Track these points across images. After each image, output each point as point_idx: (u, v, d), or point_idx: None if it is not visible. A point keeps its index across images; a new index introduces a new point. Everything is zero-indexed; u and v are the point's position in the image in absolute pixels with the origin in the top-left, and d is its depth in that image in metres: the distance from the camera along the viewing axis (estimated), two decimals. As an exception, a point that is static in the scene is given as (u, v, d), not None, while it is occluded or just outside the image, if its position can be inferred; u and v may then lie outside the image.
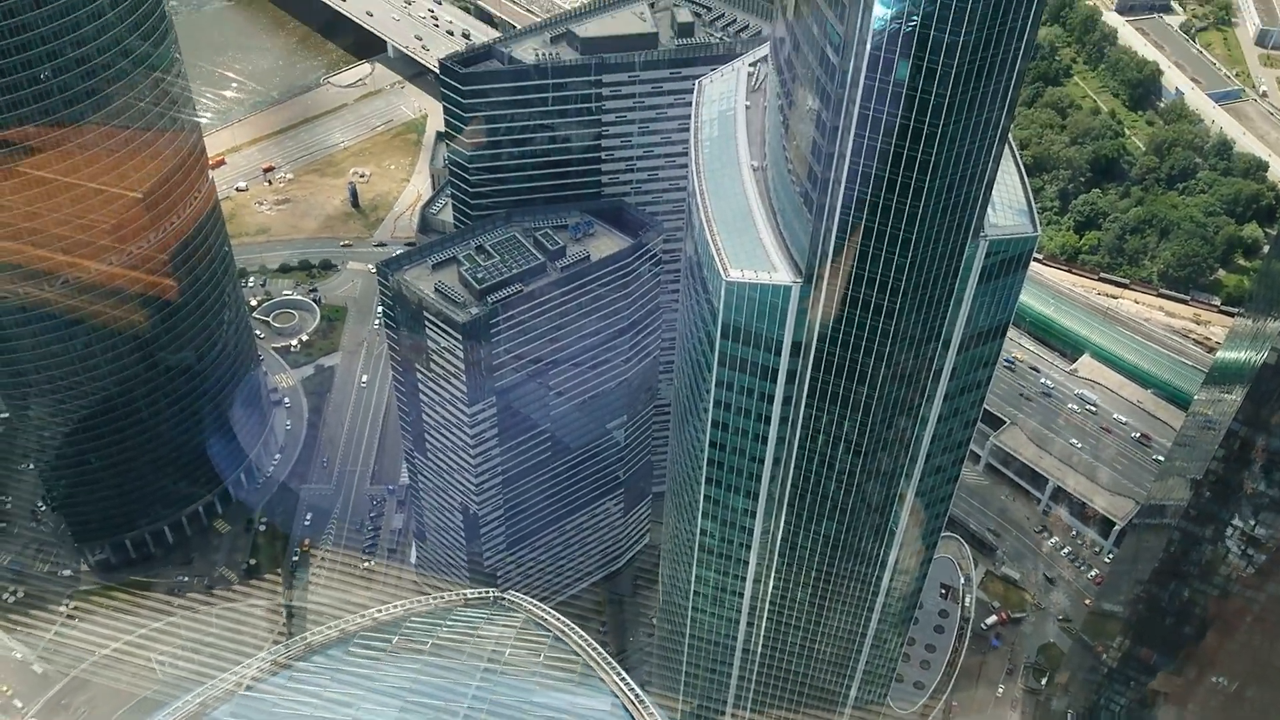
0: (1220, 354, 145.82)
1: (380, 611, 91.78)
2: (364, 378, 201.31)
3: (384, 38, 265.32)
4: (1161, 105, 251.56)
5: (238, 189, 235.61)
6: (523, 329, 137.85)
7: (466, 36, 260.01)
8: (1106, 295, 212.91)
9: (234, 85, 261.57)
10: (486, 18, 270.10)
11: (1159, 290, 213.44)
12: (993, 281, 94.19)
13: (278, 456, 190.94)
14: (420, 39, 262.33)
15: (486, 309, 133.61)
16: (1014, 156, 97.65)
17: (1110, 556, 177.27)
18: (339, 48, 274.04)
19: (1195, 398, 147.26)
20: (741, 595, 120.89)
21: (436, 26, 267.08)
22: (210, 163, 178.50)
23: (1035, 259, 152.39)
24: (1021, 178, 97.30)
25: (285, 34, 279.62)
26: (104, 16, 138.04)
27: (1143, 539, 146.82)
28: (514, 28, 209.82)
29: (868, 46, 77.71)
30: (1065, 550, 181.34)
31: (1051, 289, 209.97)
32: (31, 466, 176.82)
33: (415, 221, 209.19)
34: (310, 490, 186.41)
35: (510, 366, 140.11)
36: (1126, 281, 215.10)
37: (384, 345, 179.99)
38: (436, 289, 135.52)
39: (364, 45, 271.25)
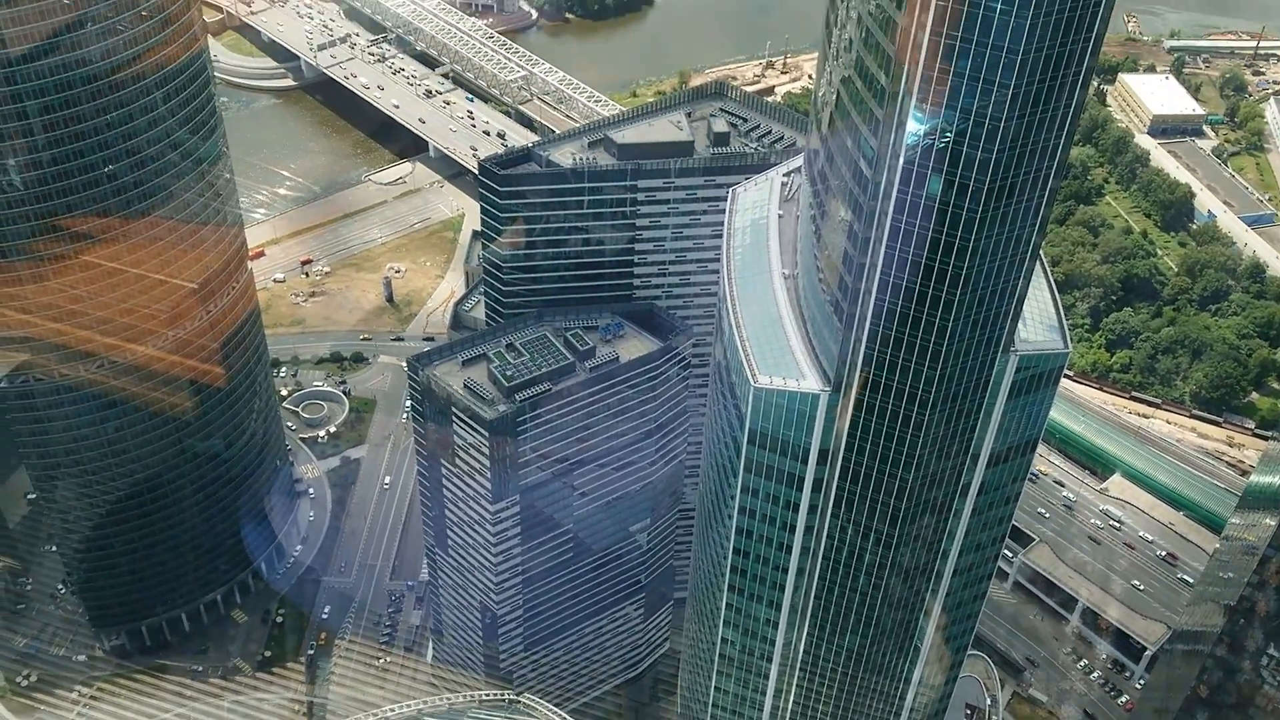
0: (1254, 478, 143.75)
1: (393, 710, 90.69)
2: (387, 478, 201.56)
3: (425, 138, 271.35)
4: (1194, 227, 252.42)
5: (275, 280, 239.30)
6: (550, 428, 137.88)
7: (502, 137, 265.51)
8: (1138, 414, 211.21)
9: (276, 180, 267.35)
10: (527, 122, 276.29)
11: (1191, 411, 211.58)
12: (1023, 396, 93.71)
13: (299, 547, 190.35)
14: (463, 142, 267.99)
15: (514, 407, 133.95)
16: (1045, 272, 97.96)
17: (1141, 682, 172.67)
18: (381, 145, 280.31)
19: (1229, 522, 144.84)
20: (761, 708, 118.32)
21: (474, 128, 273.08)
22: (250, 254, 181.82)
23: (1066, 375, 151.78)
24: (1053, 293, 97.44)
25: (329, 131, 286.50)
26: (156, 110, 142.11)
27: (1175, 665, 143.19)
28: (553, 132, 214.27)
29: (900, 160, 78.70)
30: (1095, 674, 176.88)
31: (1082, 406, 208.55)
32: (54, 549, 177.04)
33: (448, 318, 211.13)
34: (330, 582, 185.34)
35: (535, 465, 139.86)
36: (1158, 401, 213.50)
37: (410, 439, 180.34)
38: (465, 385, 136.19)
39: (406, 144, 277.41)
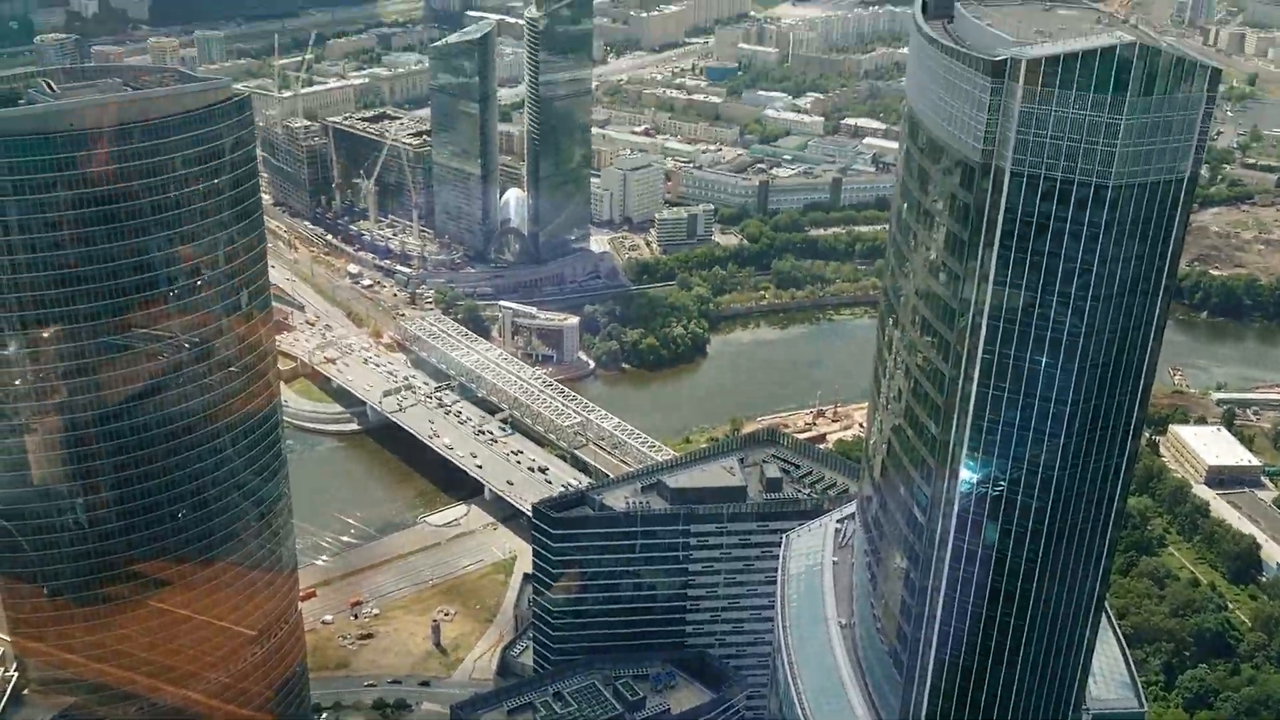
0: None
1: None
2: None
3: (481, 480, 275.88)
4: (1263, 580, 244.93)
5: (324, 622, 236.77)
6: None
7: (543, 470, 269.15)
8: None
9: (333, 523, 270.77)
10: (582, 466, 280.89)
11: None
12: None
13: None
14: (518, 485, 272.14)
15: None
16: (1112, 626, 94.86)
17: None
18: (438, 488, 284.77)
19: None
20: None
21: (530, 471, 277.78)
22: (301, 595, 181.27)
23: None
24: (1122, 648, 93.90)
25: (389, 474, 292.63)
26: (224, 453, 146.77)
27: None
28: (607, 476, 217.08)
29: (955, 508, 78.54)
30: None
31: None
32: None
33: (495, 663, 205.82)
34: None
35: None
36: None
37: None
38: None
39: (462, 487, 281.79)
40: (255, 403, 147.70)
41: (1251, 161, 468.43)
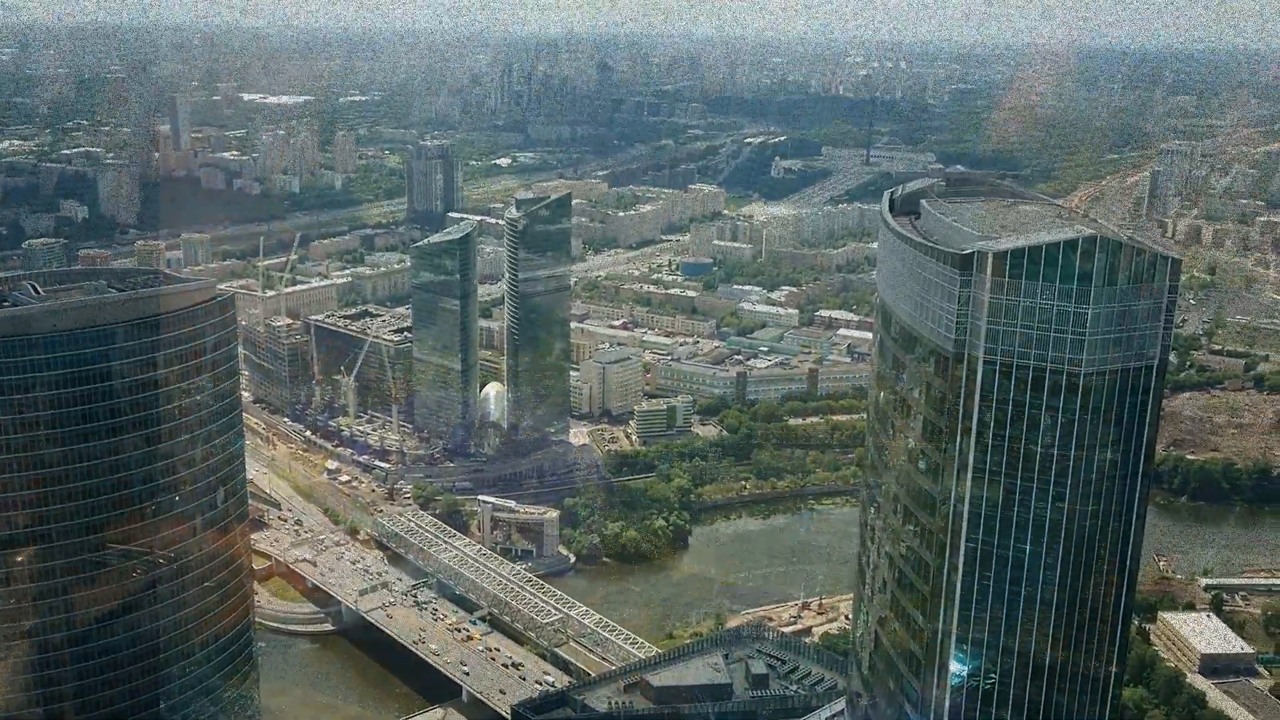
0: None
1: None
2: None
3: (458, 682, 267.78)
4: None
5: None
6: None
7: (519, 668, 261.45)
8: None
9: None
10: (563, 664, 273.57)
11: None
12: None
13: None
14: (496, 686, 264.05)
15: None
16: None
17: None
18: (413, 690, 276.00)
19: None
20: None
21: (509, 670, 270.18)
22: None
23: None
24: None
25: (362, 675, 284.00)
26: (192, 658, 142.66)
27: None
28: (588, 674, 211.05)
29: (946, 703, 76.44)
30: None
31: None
32: None
33: None
34: None
35: None
36: None
37: None
38: None
39: (437, 687, 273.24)
40: (229, 616, 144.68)
41: (1218, 348, 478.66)
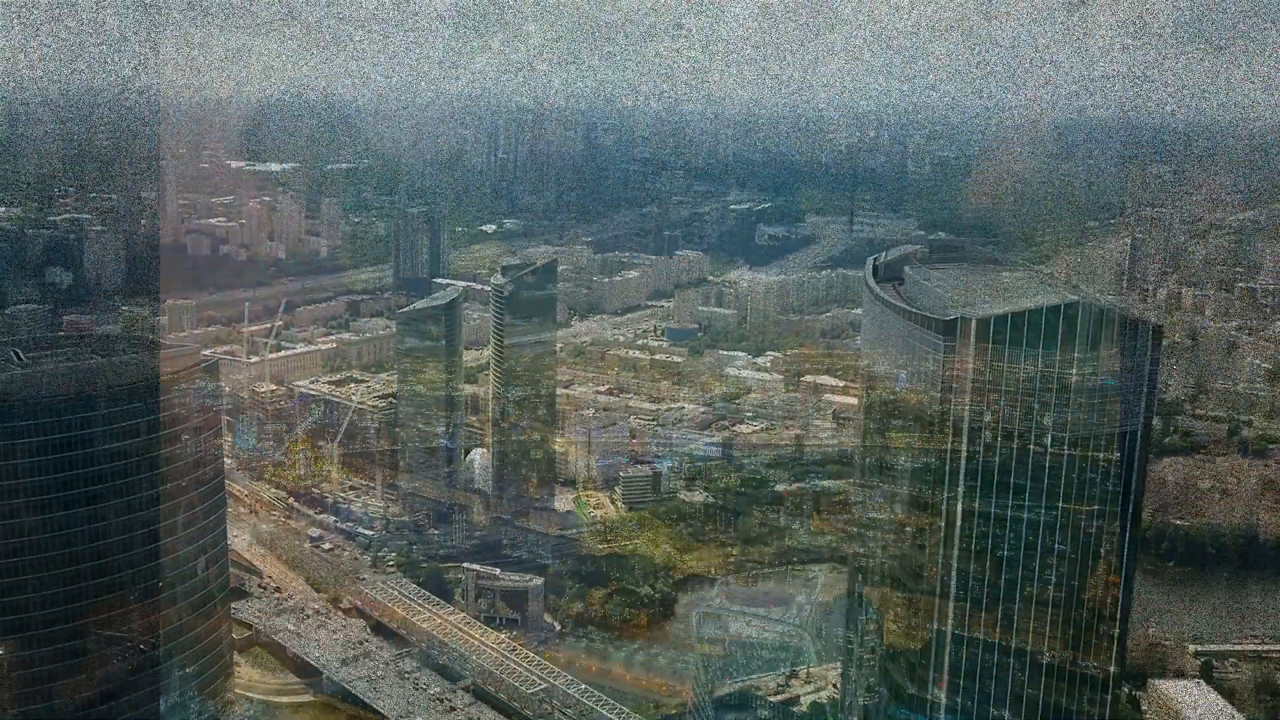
0: None
1: None
2: None
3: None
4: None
5: None
6: None
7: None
8: None
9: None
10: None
11: None
12: None
13: None
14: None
15: None
16: None
17: None
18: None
19: None
20: None
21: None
22: None
23: None
24: None
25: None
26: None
27: None
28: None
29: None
30: None
31: None
32: None
33: None
34: None
35: None
36: None
37: None
38: None
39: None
40: (209, 688, 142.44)
41: (1201, 413, 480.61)
